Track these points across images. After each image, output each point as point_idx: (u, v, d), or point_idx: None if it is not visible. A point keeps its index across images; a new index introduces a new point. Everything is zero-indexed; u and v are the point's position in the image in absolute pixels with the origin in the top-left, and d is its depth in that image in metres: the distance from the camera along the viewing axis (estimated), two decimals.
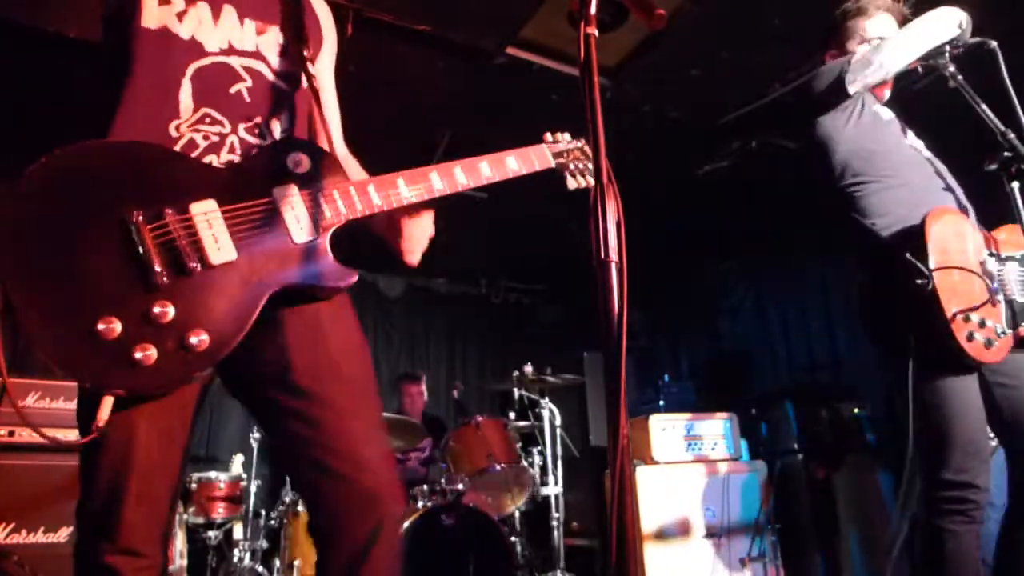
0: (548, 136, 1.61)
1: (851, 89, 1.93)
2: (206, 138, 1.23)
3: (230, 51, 1.30)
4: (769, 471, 3.84)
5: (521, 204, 4.81)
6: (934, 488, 1.80)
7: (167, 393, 1.12)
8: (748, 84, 3.54)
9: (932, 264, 1.74)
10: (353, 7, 2.80)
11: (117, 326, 1.04)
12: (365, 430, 1.22)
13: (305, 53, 1.37)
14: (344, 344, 1.26)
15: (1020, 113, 1.57)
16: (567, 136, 1.62)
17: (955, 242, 1.80)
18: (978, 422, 1.80)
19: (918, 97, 2.17)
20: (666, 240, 5.42)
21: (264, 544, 3.59)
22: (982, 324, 1.74)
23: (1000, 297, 1.80)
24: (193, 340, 1.07)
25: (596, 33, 1.09)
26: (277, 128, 1.33)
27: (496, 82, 3.43)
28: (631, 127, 3.85)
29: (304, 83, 1.37)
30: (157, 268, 1.08)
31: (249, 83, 1.30)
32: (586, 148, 1.62)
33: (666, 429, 3.73)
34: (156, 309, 1.07)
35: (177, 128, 1.22)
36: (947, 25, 1.82)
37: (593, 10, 1.09)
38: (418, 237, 1.47)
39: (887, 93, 2.16)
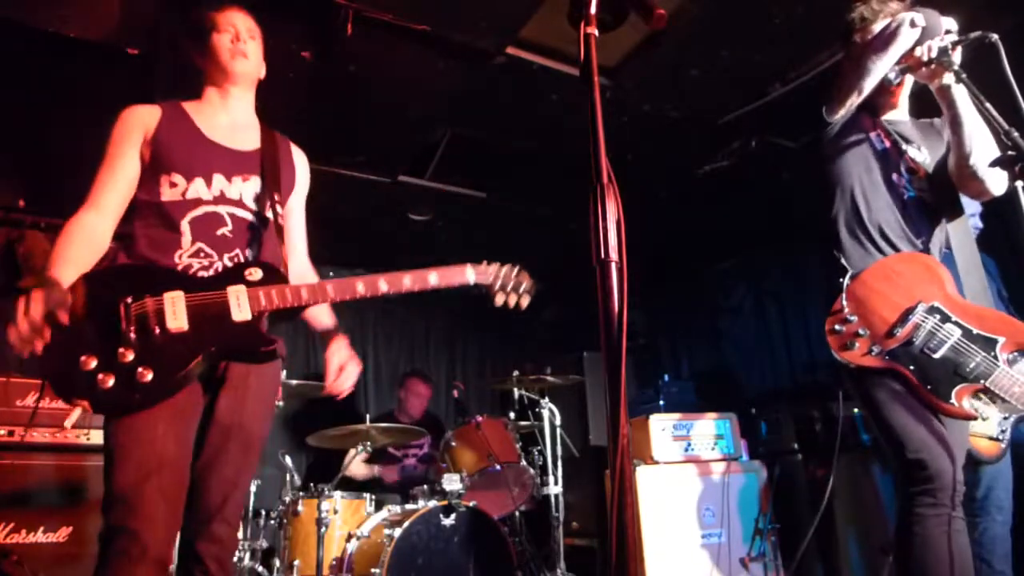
0: (474, 265, 1.91)
1: (830, 117, 2.01)
2: (199, 263, 1.72)
3: (221, 199, 1.78)
4: (769, 471, 3.84)
5: (521, 204, 4.82)
6: (899, 471, 1.85)
7: (119, 409, 1.55)
8: (748, 84, 3.53)
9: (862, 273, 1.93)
10: (353, 7, 2.80)
11: (93, 362, 1.53)
12: (235, 477, 1.69)
13: (276, 198, 1.85)
14: (257, 408, 1.75)
15: None
16: (495, 265, 1.93)
17: (898, 277, 1.91)
18: (925, 414, 1.83)
19: (922, 94, 2.15)
20: (666, 240, 5.42)
21: (264, 544, 3.59)
22: (856, 334, 1.88)
23: (916, 340, 1.84)
24: (140, 373, 1.54)
25: (596, 33, 1.09)
26: (250, 254, 1.80)
27: (496, 82, 3.43)
28: (631, 127, 3.84)
29: (275, 218, 1.85)
30: (130, 328, 1.57)
31: (231, 226, 1.79)
32: (521, 272, 1.96)
33: (666, 429, 3.73)
34: (120, 351, 1.55)
35: (179, 257, 1.71)
36: (903, 35, 1.84)
37: (593, 10, 1.09)
38: (352, 366, 1.94)
39: (902, 100, 2.15)
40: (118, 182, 1.76)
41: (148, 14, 2.83)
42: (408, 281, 1.78)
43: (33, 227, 4.48)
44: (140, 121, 1.80)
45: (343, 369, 1.90)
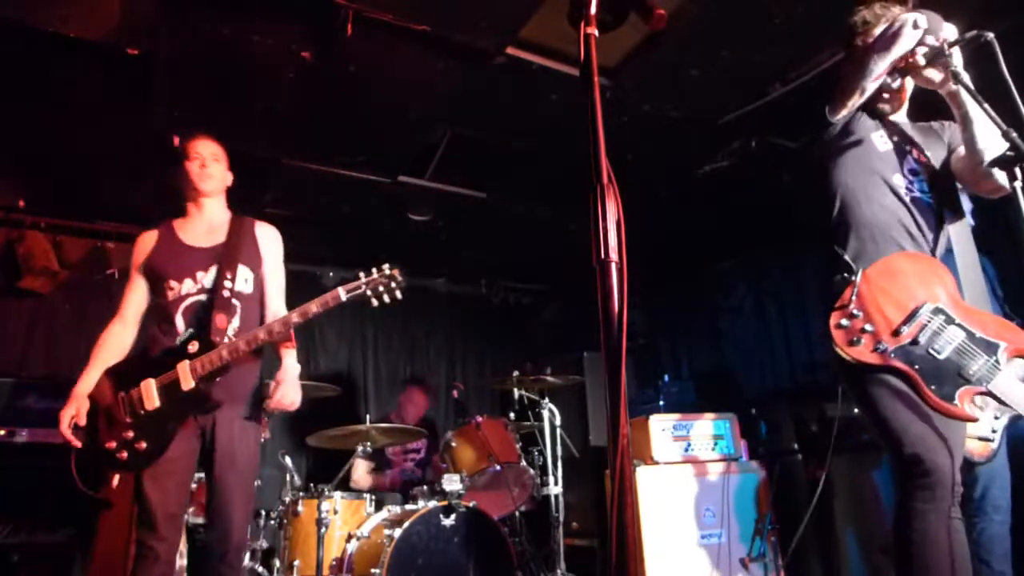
0: (346, 285, 2.34)
1: (832, 117, 2.00)
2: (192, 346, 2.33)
3: (201, 291, 2.41)
4: (769, 471, 3.84)
5: (521, 204, 4.82)
6: (897, 467, 1.85)
7: (137, 470, 2.24)
8: (748, 84, 3.53)
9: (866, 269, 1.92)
10: (353, 7, 2.80)
11: (113, 443, 2.26)
12: (239, 500, 2.32)
13: (247, 279, 2.46)
14: (243, 453, 2.36)
15: (1021, 106, 1.55)
16: (369, 278, 2.32)
17: (902, 276, 1.90)
18: (923, 410, 1.83)
19: (920, 96, 2.15)
20: (666, 240, 5.42)
21: (264, 544, 3.59)
22: (862, 330, 1.86)
23: (921, 340, 1.84)
24: (140, 446, 2.24)
25: (596, 33, 1.09)
26: (230, 329, 2.38)
27: (496, 82, 3.43)
28: (631, 127, 3.84)
29: (231, 294, 2.41)
30: (126, 415, 2.28)
31: (208, 307, 2.36)
32: (394, 274, 2.31)
33: (666, 429, 3.73)
34: (124, 433, 2.26)
35: (177, 340, 2.32)
36: (905, 36, 1.84)
37: (593, 10, 1.09)
38: (287, 383, 2.43)
39: (903, 103, 2.15)
40: (135, 296, 2.48)
41: (148, 14, 2.83)
42: (295, 316, 2.26)
43: (33, 227, 4.48)
44: (144, 247, 2.49)
45: (278, 385, 2.40)
